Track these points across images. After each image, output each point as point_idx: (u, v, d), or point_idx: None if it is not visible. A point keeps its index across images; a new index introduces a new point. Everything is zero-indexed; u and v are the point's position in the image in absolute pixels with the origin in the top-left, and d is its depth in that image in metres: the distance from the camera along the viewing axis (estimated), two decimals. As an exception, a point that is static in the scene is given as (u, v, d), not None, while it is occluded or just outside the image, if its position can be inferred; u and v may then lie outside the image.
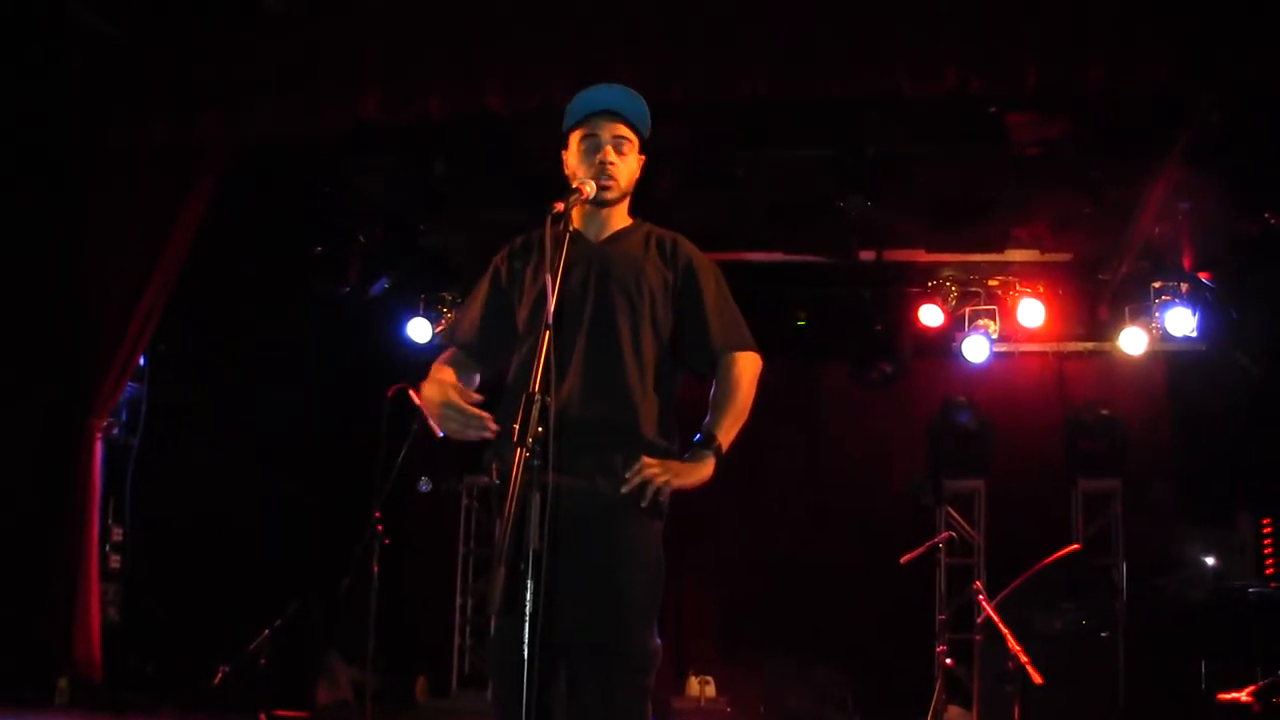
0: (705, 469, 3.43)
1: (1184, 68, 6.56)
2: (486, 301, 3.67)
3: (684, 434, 3.55)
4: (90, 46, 7.52)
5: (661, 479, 3.32)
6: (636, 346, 3.45)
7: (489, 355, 3.66)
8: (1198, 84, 6.73)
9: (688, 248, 3.65)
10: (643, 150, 3.66)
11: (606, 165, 3.51)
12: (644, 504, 3.30)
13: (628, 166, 3.59)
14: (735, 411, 3.52)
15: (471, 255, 9.84)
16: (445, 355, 3.69)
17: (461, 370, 3.61)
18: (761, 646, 9.82)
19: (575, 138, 3.60)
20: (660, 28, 7.01)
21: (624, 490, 3.30)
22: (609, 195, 3.53)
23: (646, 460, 3.33)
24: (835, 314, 10.33)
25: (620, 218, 3.67)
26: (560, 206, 3.15)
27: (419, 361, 10.06)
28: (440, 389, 3.34)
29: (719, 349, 3.58)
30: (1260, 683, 6.38)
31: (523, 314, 3.55)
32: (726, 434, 3.48)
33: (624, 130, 3.57)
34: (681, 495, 3.48)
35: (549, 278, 2.97)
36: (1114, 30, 6.58)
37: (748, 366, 3.58)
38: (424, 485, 10.27)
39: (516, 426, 2.84)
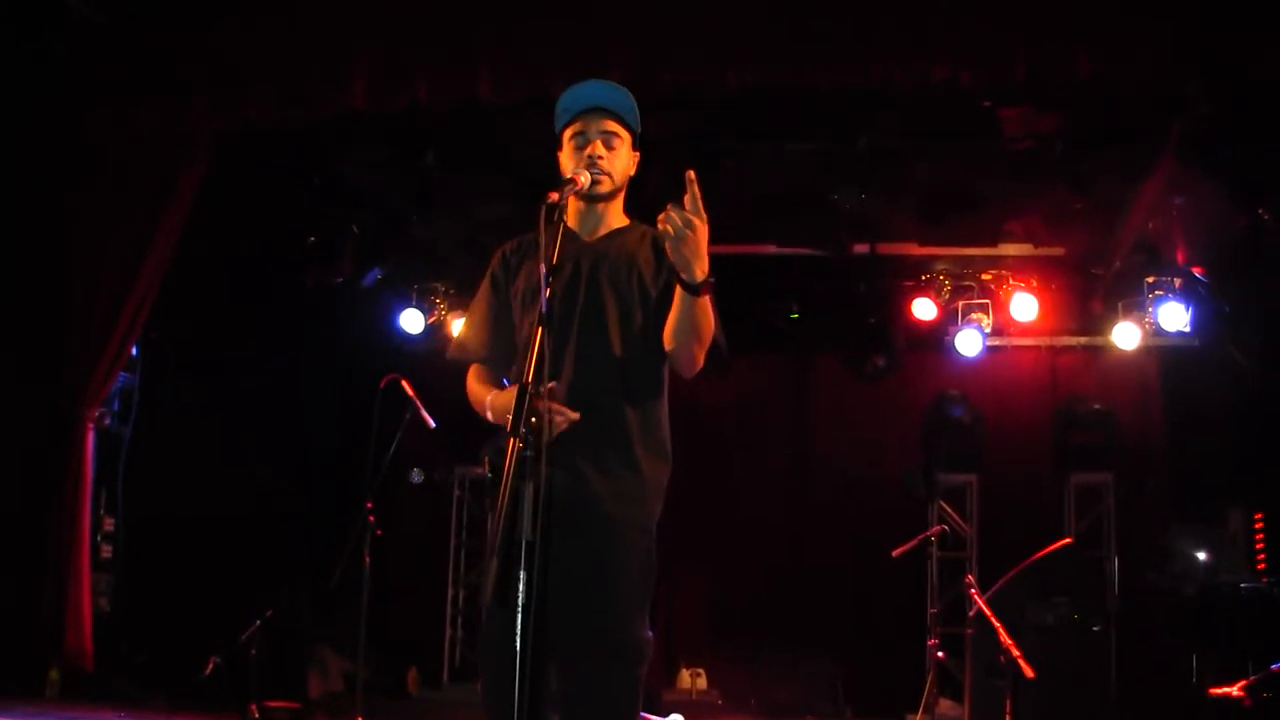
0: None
1: (1175, 60, 6.56)
2: (489, 309, 3.64)
3: (676, 434, 3.52)
4: (77, 33, 7.49)
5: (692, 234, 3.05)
6: (626, 343, 3.43)
7: (504, 361, 3.60)
8: (1189, 77, 6.73)
9: None
10: (636, 147, 3.62)
11: (595, 160, 3.46)
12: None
13: (619, 161, 3.54)
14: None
15: (462, 247, 9.82)
16: (471, 371, 3.65)
17: (489, 383, 3.59)
18: (753, 639, 9.83)
19: (566, 137, 3.57)
20: (650, 18, 7.01)
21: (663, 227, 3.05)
22: (600, 189, 3.48)
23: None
24: (828, 307, 10.29)
25: (616, 216, 3.64)
26: (554, 197, 3.10)
27: (411, 352, 10.08)
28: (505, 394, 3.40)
29: None
30: (1251, 677, 6.38)
31: (521, 312, 3.52)
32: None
33: (613, 126, 3.53)
34: (674, 487, 3.47)
35: (542, 269, 2.96)
36: (1105, 22, 6.57)
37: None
38: (416, 476, 10.24)
39: (509, 418, 2.84)
